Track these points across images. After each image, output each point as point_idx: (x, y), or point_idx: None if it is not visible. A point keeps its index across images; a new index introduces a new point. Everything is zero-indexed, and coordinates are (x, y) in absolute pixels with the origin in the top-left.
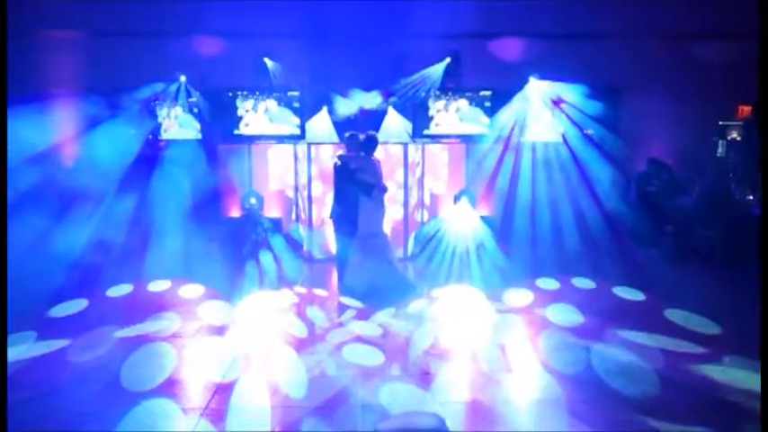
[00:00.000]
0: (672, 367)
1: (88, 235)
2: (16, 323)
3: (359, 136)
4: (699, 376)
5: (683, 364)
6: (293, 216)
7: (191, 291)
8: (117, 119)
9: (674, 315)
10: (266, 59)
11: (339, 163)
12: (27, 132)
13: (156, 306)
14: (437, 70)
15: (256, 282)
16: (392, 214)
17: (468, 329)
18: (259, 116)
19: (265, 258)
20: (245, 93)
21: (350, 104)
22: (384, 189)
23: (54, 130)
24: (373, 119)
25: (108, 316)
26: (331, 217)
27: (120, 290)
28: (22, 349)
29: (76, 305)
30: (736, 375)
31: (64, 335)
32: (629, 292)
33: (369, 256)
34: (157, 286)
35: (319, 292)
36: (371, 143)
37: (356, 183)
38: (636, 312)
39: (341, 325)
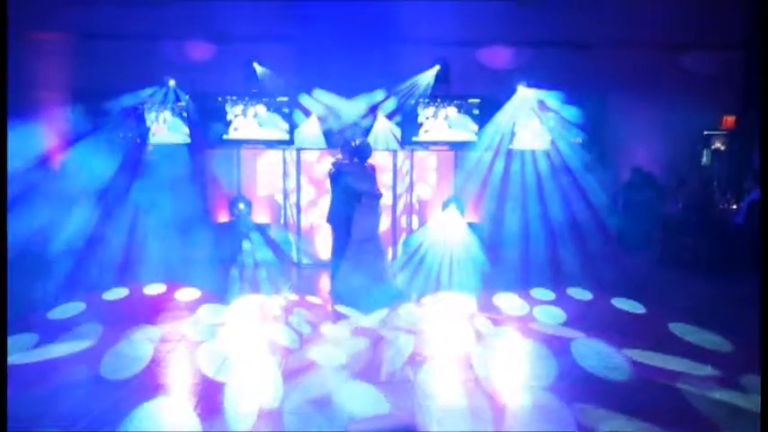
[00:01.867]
0: (666, 379)
1: (78, 240)
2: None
3: (353, 142)
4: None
5: (678, 376)
6: (281, 221)
7: (185, 294)
8: (106, 123)
9: (677, 328)
10: (255, 64)
11: (334, 170)
12: (15, 137)
13: (152, 309)
14: (427, 77)
15: (245, 286)
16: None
17: (454, 336)
18: (248, 121)
19: (254, 264)
20: (234, 97)
21: (339, 110)
22: (379, 195)
23: (42, 135)
24: (362, 125)
25: (105, 319)
26: (328, 221)
27: (116, 293)
28: (24, 350)
29: (74, 308)
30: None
31: (63, 337)
32: (627, 304)
33: (363, 260)
34: (152, 290)
35: (307, 296)
36: (366, 150)
37: (352, 189)
38: (634, 324)
39: (329, 329)
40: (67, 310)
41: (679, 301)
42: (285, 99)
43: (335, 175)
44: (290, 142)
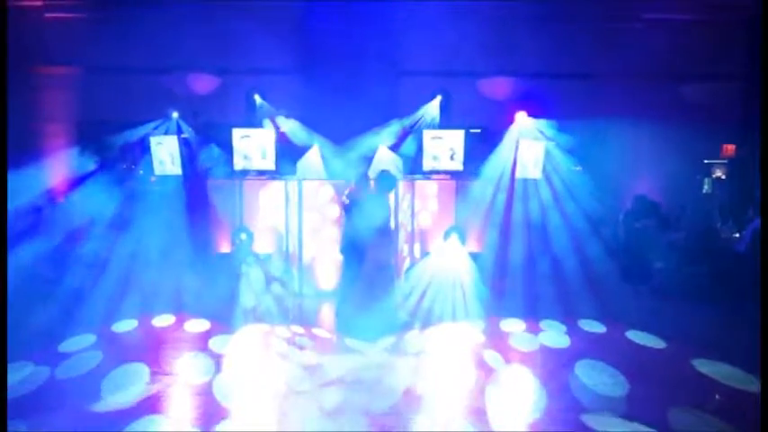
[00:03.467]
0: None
1: (83, 271)
2: (26, 355)
3: (371, 173)
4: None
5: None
6: (283, 251)
7: (193, 326)
8: (110, 155)
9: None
10: (257, 96)
11: (353, 199)
12: (21, 171)
13: (162, 341)
14: (430, 109)
15: (248, 317)
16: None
17: (458, 367)
18: (251, 152)
19: (255, 294)
20: (237, 128)
21: (342, 142)
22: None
23: (47, 168)
24: (364, 156)
25: (117, 351)
26: (342, 251)
27: (125, 325)
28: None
29: (85, 340)
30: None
31: (72, 370)
32: (644, 337)
33: (376, 288)
34: (161, 321)
35: (309, 327)
36: (392, 180)
37: (373, 219)
38: (650, 359)
39: (331, 361)
40: (78, 343)
41: (691, 332)
42: (289, 130)
43: (354, 206)
44: (293, 173)
